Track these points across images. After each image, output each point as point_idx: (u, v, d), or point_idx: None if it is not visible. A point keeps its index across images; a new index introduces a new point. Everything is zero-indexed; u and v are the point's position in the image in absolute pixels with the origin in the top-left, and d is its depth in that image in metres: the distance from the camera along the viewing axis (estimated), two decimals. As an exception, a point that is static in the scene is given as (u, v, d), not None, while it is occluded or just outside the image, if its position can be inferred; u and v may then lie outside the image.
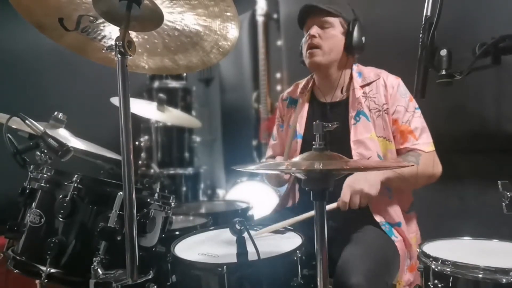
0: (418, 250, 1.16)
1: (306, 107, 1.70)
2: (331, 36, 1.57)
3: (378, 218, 1.50)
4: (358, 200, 1.38)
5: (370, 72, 1.62)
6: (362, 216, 1.48)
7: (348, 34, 1.56)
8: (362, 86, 1.59)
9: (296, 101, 1.75)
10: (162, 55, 1.30)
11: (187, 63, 1.32)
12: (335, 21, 1.57)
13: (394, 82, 1.56)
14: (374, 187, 1.40)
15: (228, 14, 1.16)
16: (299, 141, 1.67)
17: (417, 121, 1.53)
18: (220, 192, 3.80)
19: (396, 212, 1.52)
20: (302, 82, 1.78)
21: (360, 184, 1.39)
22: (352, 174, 1.43)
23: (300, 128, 1.68)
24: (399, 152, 1.56)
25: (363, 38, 1.57)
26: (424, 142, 1.52)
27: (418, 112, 1.54)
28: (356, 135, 1.54)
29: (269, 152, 1.91)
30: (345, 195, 1.38)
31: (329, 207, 1.35)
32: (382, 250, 1.41)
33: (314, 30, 1.56)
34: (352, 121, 1.56)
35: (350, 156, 1.53)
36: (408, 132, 1.52)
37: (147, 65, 1.34)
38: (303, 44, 1.63)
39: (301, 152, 1.62)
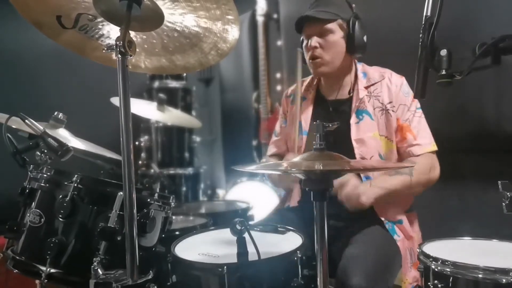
0: (418, 250, 1.16)
1: (311, 104, 1.71)
2: (332, 44, 1.55)
3: (381, 216, 1.50)
4: (351, 202, 1.43)
5: (375, 72, 1.62)
6: (365, 215, 1.48)
7: (348, 36, 1.54)
8: (367, 87, 1.59)
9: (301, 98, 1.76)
10: (160, 55, 1.29)
11: (184, 64, 1.31)
12: (334, 26, 1.54)
13: (398, 81, 1.57)
14: (369, 200, 1.43)
15: (229, 17, 1.16)
16: (304, 137, 1.68)
17: (417, 120, 1.53)
18: (220, 192, 3.80)
19: (396, 210, 1.53)
20: (307, 80, 1.78)
21: (360, 190, 1.43)
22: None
23: (305, 124, 1.69)
24: (398, 151, 1.56)
25: (365, 37, 1.55)
26: (423, 143, 1.51)
27: (419, 112, 1.54)
28: (359, 134, 1.55)
29: (271, 149, 1.89)
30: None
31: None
32: (384, 250, 1.41)
33: (314, 41, 1.55)
34: (354, 120, 1.56)
35: (353, 155, 1.53)
36: (407, 131, 1.52)
37: (144, 65, 1.33)
38: (304, 49, 1.62)
39: (306, 148, 1.66)
